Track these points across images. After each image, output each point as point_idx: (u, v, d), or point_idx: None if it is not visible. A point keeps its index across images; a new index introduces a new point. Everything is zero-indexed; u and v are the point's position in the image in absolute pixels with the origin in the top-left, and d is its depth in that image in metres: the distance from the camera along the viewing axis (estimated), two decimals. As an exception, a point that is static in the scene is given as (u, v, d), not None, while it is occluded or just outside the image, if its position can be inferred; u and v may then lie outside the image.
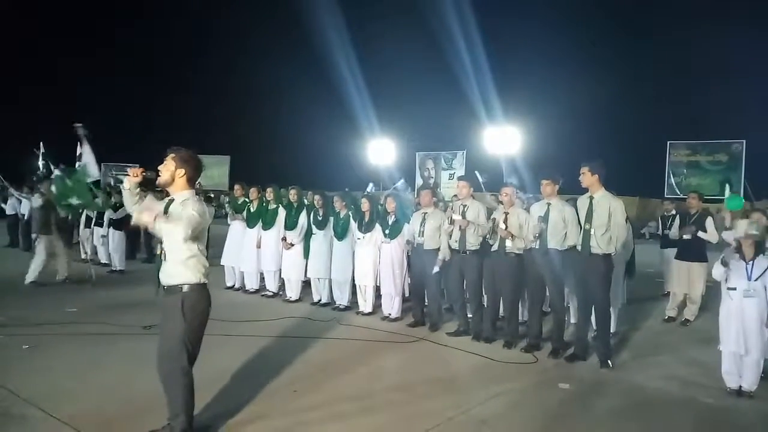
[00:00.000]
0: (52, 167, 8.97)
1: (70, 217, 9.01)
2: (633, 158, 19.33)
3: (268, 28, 25.86)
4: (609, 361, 5.17)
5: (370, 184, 14.05)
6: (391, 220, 6.90)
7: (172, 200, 3.46)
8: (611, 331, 5.66)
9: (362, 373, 4.90)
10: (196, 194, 3.55)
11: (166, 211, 3.38)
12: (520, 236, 5.70)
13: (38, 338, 5.52)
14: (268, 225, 8.02)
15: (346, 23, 19.96)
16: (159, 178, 3.46)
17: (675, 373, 5.08)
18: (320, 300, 7.58)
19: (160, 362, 3.40)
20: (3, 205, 13.56)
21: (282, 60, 25.04)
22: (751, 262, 4.46)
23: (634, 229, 7.12)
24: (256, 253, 8.13)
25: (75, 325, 6.11)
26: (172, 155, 3.46)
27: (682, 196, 16.65)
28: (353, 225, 7.26)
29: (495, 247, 5.87)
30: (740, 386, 4.55)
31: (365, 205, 7.11)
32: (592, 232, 5.13)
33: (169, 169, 3.44)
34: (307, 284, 7.90)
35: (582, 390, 4.64)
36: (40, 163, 10.61)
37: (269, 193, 8.06)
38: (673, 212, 8.21)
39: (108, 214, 9.99)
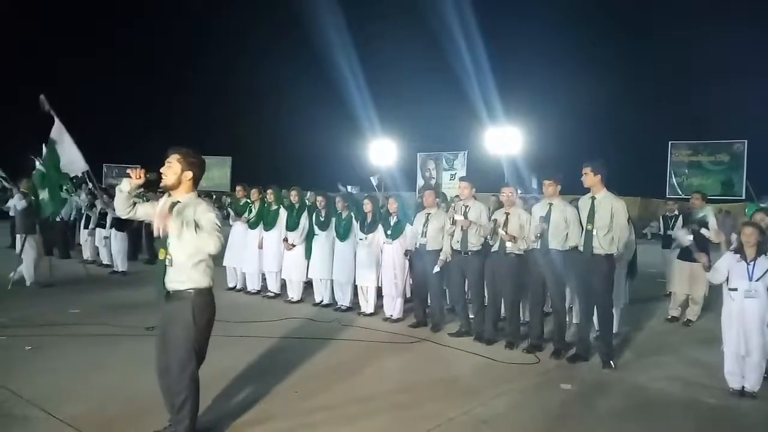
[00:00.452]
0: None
1: (50, 218, 8.89)
2: (634, 158, 19.33)
3: (268, 28, 25.91)
4: (611, 362, 5.17)
5: (342, 185, 13.93)
6: (393, 220, 6.91)
7: (175, 203, 3.33)
8: (613, 331, 5.66)
9: (364, 374, 4.90)
10: (198, 196, 3.47)
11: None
12: (521, 237, 5.70)
13: (41, 339, 5.53)
14: (269, 226, 8.02)
15: (346, 23, 19.99)
16: (163, 180, 3.32)
17: (677, 374, 5.08)
18: (322, 301, 7.58)
19: (165, 370, 3.32)
20: (6, 206, 13.54)
21: (283, 60, 25.07)
22: (752, 263, 4.45)
23: (636, 230, 7.11)
24: (258, 254, 8.14)
25: (77, 326, 6.12)
26: (178, 156, 3.33)
27: (683, 196, 16.65)
28: (355, 226, 7.27)
29: (496, 248, 5.87)
30: (743, 387, 4.54)
31: (368, 206, 7.11)
32: (594, 232, 5.13)
33: (175, 171, 3.32)
34: (308, 285, 7.91)
35: (584, 390, 4.64)
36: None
37: (270, 195, 8.06)
38: (676, 212, 8.21)
39: (111, 214, 9.97)
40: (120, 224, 9.78)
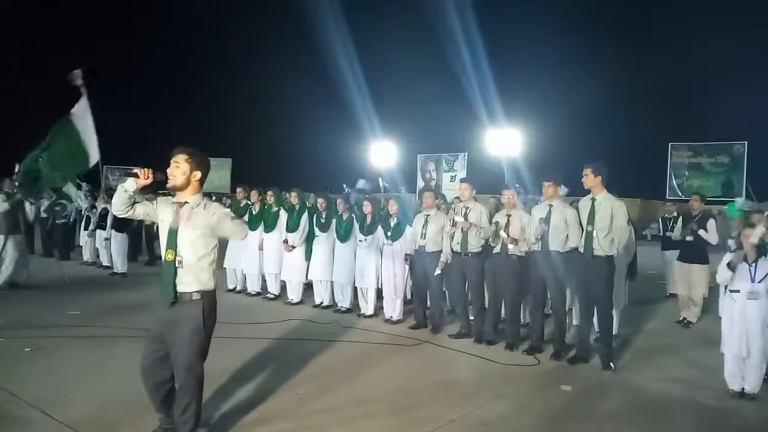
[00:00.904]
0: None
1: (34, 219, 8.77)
2: (634, 160, 19.30)
3: (269, 29, 25.88)
4: (611, 363, 5.16)
5: (348, 186, 13.92)
6: (393, 222, 6.91)
7: (182, 203, 3.30)
8: (613, 333, 5.65)
9: (365, 376, 4.90)
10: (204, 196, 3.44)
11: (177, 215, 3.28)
12: (522, 238, 5.70)
13: (40, 341, 5.52)
14: (269, 227, 8.02)
15: (347, 26, 19.99)
16: (171, 180, 3.26)
17: (677, 375, 5.07)
18: (322, 302, 7.58)
19: (153, 370, 3.30)
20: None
21: (284, 62, 25.05)
22: (754, 265, 4.45)
23: (636, 231, 7.12)
24: (258, 256, 8.14)
25: (77, 327, 6.11)
26: (185, 156, 3.27)
27: (684, 197, 16.65)
28: (356, 227, 7.27)
29: (497, 249, 5.87)
30: (743, 388, 4.54)
31: (367, 207, 7.12)
32: (594, 234, 5.13)
33: (183, 171, 3.26)
34: (308, 287, 7.91)
35: (584, 392, 4.64)
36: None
37: (270, 196, 8.06)
38: (675, 214, 8.21)
39: (111, 215, 9.96)
40: (120, 225, 9.78)
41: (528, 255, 5.69)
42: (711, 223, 6.91)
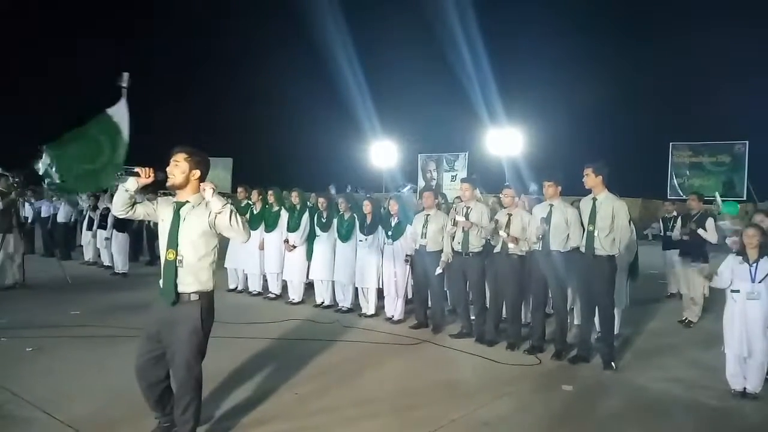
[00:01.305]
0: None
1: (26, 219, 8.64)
2: (635, 159, 19.29)
3: (270, 29, 25.90)
4: (612, 363, 5.16)
5: (353, 187, 13.96)
6: (393, 221, 6.90)
7: (183, 203, 3.30)
8: (614, 332, 5.65)
9: (365, 376, 4.90)
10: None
11: (177, 215, 3.26)
12: (523, 238, 5.70)
13: (42, 341, 5.53)
14: (270, 227, 8.02)
15: (348, 25, 19.98)
16: (170, 179, 3.28)
17: (678, 375, 5.07)
18: (323, 302, 7.58)
19: (148, 369, 3.30)
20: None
21: (284, 62, 25.05)
22: (755, 265, 4.44)
23: (637, 231, 7.11)
24: (259, 256, 8.14)
25: (79, 327, 6.12)
26: (184, 155, 3.28)
27: (684, 197, 16.63)
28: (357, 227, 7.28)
29: (497, 249, 5.87)
30: (744, 388, 4.53)
31: (367, 207, 7.11)
32: (595, 233, 5.13)
33: (183, 170, 3.27)
34: (309, 286, 7.91)
35: (585, 392, 4.64)
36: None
37: (270, 196, 8.06)
38: (674, 213, 8.21)
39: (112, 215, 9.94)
40: (121, 225, 9.79)
41: (529, 255, 5.69)
42: (710, 222, 6.91)
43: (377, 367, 5.17)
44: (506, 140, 19.33)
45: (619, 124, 21.49)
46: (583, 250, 5.25)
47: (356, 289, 7.31)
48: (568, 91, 20.71)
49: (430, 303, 6.74)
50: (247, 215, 8.35)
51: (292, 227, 7.70)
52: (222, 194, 3.43)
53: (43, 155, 6.24)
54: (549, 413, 4.18)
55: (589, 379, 4.93)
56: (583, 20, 22.40)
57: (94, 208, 10.82)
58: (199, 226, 3.27)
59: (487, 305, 6.16)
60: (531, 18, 22.04)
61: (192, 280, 3.26)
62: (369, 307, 7.12)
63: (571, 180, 5.68)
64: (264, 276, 8.32)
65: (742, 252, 4.53)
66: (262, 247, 8.09)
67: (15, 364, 4.87)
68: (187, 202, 3.31)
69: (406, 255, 6.80)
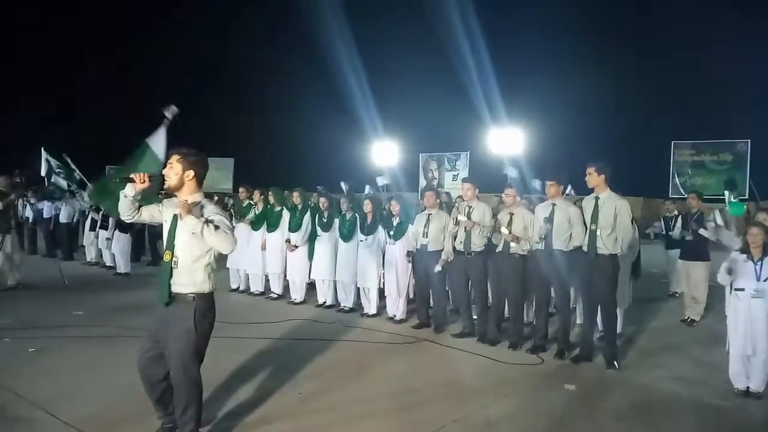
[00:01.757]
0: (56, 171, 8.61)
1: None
2: (637, 158, 19.25)
3: (270, 29, 25.91)
4: (615, 362, 5.16)
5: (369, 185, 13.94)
6: (395, 221, 6.90)
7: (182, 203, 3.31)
8: (617, 331, 5.64)
9: (368, 376, 4.90)
10: (205, 196, 3.46)
11: (175, 217, 3.29)
12: (525, 237, 5.69)
13: (44, 341, 5.53)
14: (272, 227, 8.02)
15: (349, 25, 19.97)
16: (166, 181, 3.32)
17: (681, 374, 5.06)
18: (325, 302, 7.58)
19: (150, 368, 3.33)
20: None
21: (285, 62, 25.07)
22: (759, 263, 4.43)
23: (639, 230, 7.10)
24: (261, 256, 8.14)
25: (81, 327, 6.12)
26: (177, 157, 3.32)
27: (686, 196, 16.58)
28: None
29: (499, 248, 5.86)
30: (748, 387, 4.53)
31: (368, 206, 7.11)
32: (598, 232, 5.12)
33: (176, 172, 3.31)
34: (311, 286, 7.91)
35: (588, 391, 4.63)
36: (44, 167, 10.47)
37: (270, 196, 8.06)
38: (675, 213, 8.21)
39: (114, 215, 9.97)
40: (122, 226, 9.79)
41: (531, 254, 5.68)
42: (710, 222, 6.89)
43: (379, 366, 5.17)
44: (508, 139, 19.31)
45: (621, 123, 21.46)
46: (585, 249, 5.24)
47: (358, 288, 7.31)
48: (569, 89, 20.67)
49: (432, 303, 6.74)
50: (251, 214, 8.36)
51: (294, 227, 7.70)
52: (222, 194, 3.43)
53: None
54: (551, 413, 4.17)
55: (592, 379, 4.92)
56: (584, 19, 22.36)
57: (97, 208, 10.83)
58: (191, 228, 3.27)
59: (490, 305, 6.15)
60: (532, 17, 22.03)
61: (187, 281, 3.29)
62: (371, 306, 7.12)
63: (573, 179, 5.67)
64: (266, 276, 8.33)
65: (746, 250, 4.52)
66: (264, 248, 8.09)
67: (18, 365, 4.87)
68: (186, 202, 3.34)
69: (408, 251, 6.79)
